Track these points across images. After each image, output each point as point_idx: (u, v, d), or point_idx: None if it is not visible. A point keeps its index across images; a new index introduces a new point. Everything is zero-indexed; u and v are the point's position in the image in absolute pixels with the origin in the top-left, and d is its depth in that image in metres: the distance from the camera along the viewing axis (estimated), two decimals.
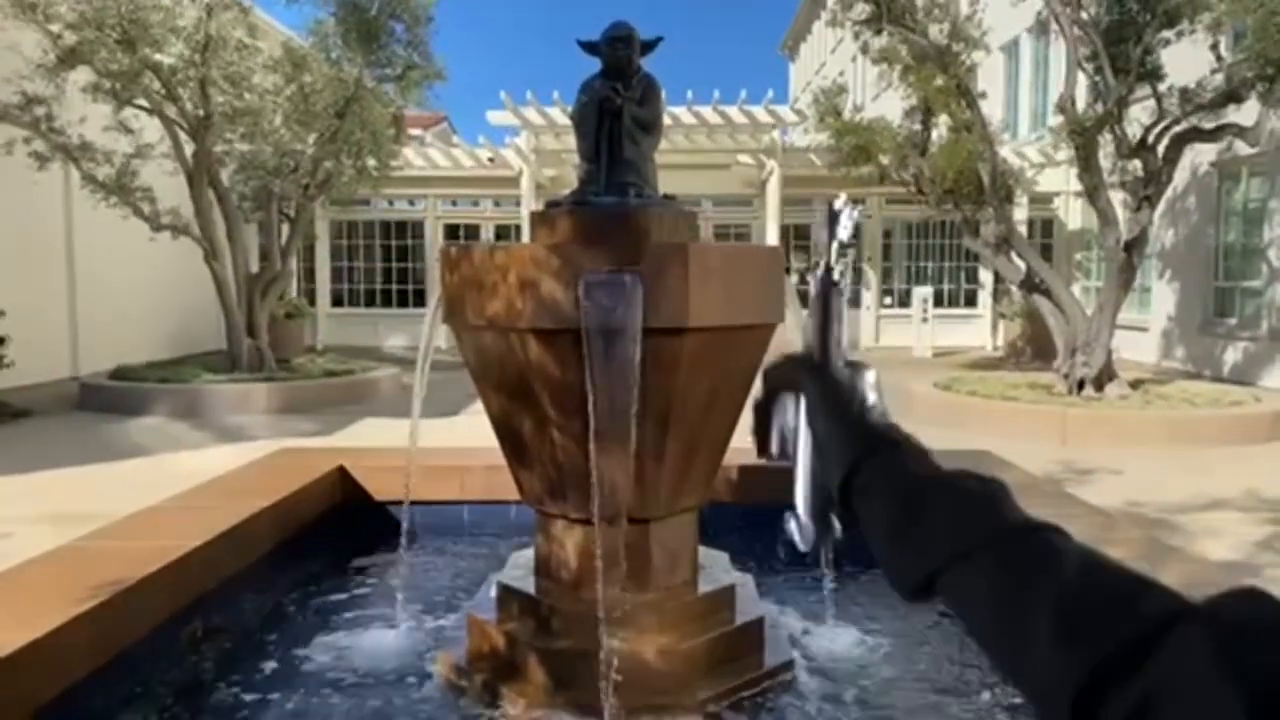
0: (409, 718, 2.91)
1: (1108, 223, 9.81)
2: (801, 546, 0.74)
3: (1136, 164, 9.74)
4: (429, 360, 3.22)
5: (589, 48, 3.00)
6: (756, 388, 0.80)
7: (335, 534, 4.41)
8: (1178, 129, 9.54)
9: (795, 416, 0.75)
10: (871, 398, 0.73)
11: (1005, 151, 13.43)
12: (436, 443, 4.81)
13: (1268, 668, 0.43)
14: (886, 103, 16.86)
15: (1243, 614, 0.47)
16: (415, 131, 20.44)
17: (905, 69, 10.95)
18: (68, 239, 12.49)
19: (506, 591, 3.14)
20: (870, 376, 0.74)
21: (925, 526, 0.62)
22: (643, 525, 2.91)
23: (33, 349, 11.11)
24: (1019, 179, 13.64)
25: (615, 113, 2.88)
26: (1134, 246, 9.71)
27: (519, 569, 3.28)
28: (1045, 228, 17.46)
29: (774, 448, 0.77)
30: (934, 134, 11.61)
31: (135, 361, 11.99)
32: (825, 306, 0.79)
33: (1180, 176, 11.30)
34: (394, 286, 18.40)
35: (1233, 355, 12.88)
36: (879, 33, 10.76)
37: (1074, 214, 17.26)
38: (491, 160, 17.39)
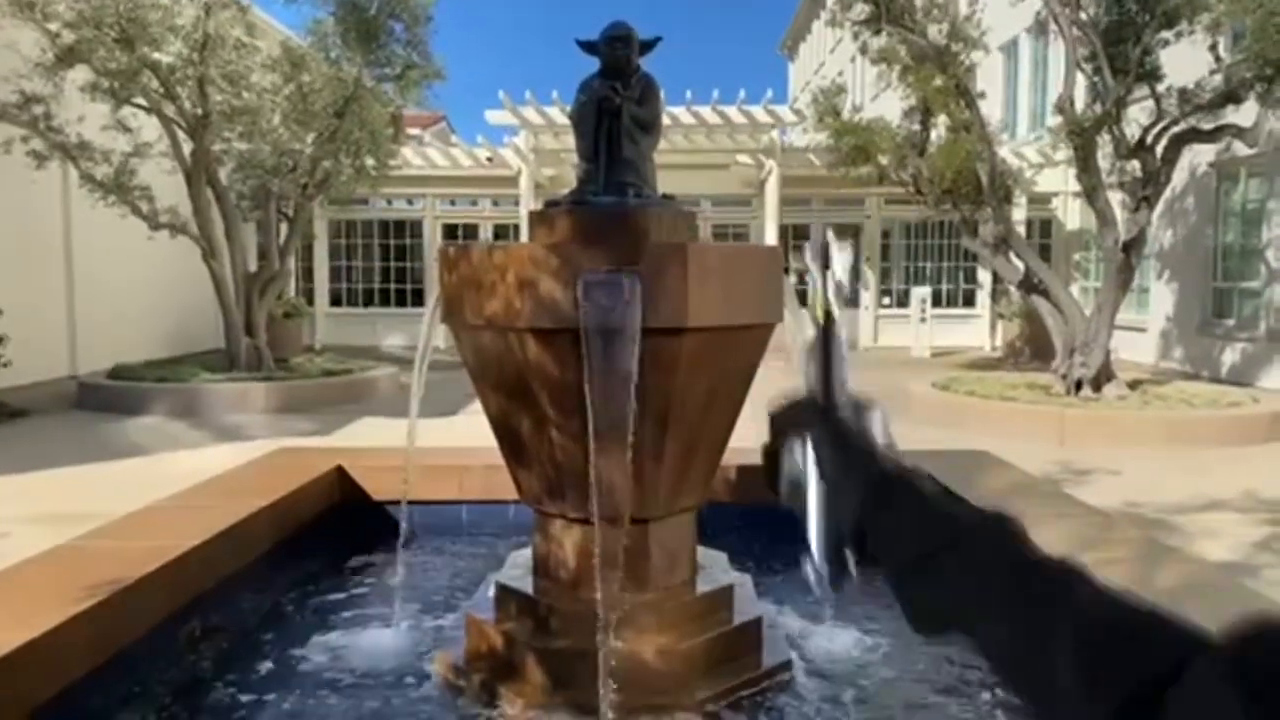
0: (407, 718, 2.91)
1: (1106, 223, 9.82)
2: (817, 590, 0.74)
3: (1135, 164, 9.74)
4: (427, 360, 3.22)
5: (588, 47, 3.00)
6: (765, 433, 0.79)
7: (333, 534, 4.41)
8: (1176, 129, 9.55)
9: (804, 460, 0.75)
10: (879, 437, 0.73)
11: (1004, 152, 13.44)
12: (435, 442, 4.81)
13: None
14: (885, 103, 16.86)
15: (1259, 647, 0.47)
16: (414, 131, 20.44)
17: (904, 69, 10.96)
18: (66, 238, 12.48)
19: (505, 591, 3.13)
20: (876, 415, 0.74)
21: (941, 566, 0.61)
22: (641, 525, 2.91)
23: (31, 348, 11.10)
24: (1018, 179, 13.66)
25: (614, 112, 2.88)
26: (1132, 247, 9.71)
27: (517, 569, 3.28)
28: (1044, 228, 17.47)
29: (784, 492, 0.77)
30: (933, 134, 11.62)
31: (133, 360, 11.98)
32: (827, 348, 0.79)
33: (1179, 177, 11.30)
34: (392, 286, 18.39)
35: (1231, 356, 12.89)
36: (878, 33, 10.76)
37: (1072, 214, 17.27)
38: (490, 160, 17.38)
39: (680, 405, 2.78)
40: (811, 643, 3.35)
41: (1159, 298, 14.73)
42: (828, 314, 0.80)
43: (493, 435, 3.08)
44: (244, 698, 2.99)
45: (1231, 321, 13.14)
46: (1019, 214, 15.43)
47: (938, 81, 10.50)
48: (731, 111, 15.49)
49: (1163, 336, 14.53)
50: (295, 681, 3.11)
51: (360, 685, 3.07)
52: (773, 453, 0.78)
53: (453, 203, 18.27)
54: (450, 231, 18.14)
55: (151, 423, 9.61)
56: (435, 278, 3.15)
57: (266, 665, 3.23)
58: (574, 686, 2.79)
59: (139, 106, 10.37)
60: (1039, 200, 17.08)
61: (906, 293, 17.48)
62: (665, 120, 3.87)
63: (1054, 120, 10.85)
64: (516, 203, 16.70)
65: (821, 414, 0.76)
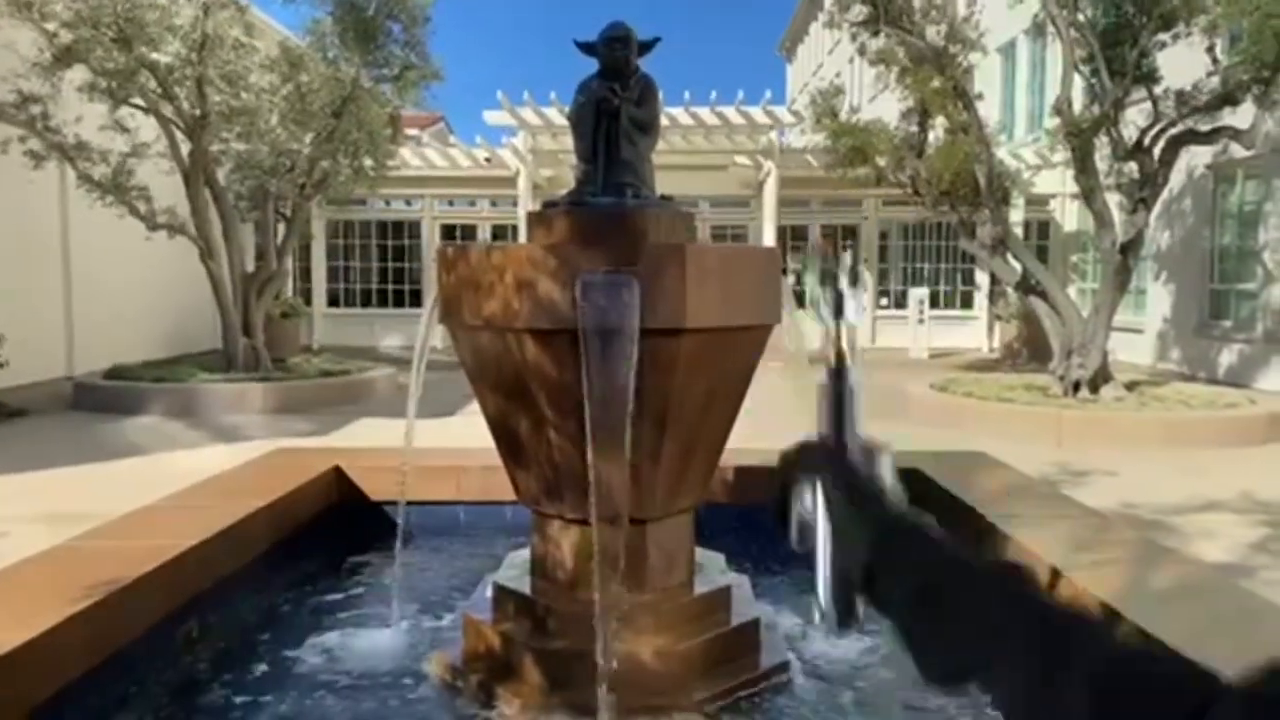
0: (404, 718, 2.91)
1: (1104, 225, 9.83)
2: (824, 631, 0.75)
3: (1132, 166, 9.76)
4: (425, 360, 3.22)
5: (586, 48, 3.00)
6: (776, 479, 0.80)
7: (331, 534, 4.41)
8: (1173, 131, 9.56)
9: (814, 504, 0.75)
10: (889, 482, 0.73)
11: (1002, 153, 13.45)
12: (432, 443, 4.81)
13: None
14: (883, 104, 16.87)
15: (1274, 692, 0.46)
16: (412, 131, 20.43)
17: (902, 70, 10.97)
18: (63, 238, 12.46)
19: (502, 592, 3.14)
20: (886, 460, 0.75)
21: (950, 614, 0.61)
22: (639, 526, 2.91)
23: (28, 348, 11.08)
24: (1015, 181, 13.66)
25: (613, 113, 2.88)
26: (1130, 249, 9.73)
27: (515, 569, 3.28)
28: (1041, 229, 17.48)
29: (794, 536, 0.78)
30: (931, 135, 11.63)
31: (130, 361, 11.97)
32: (839, 393, 0.80)
33: (1176, 179, 11.32)
34: (390, 286, 18.38)
35: (1228, 357, 12.91)
36: (876, 34, 10.77)
37: (1070, 216, 17.29)
38: (488, 160, 17.38)
39: (678, 406, 2.79)
40: (810, 644, 3.35)
41: (1156, 299, 14.76)
42: (840, 357, 0.81)
43: (490, 436, 3.08)
44: (240, 699, 2.99)
45: (1228, 323, 13.16)
46: (1016, 215, 15.44)
47: (936, 83, 10.51)
48: (730, 112, 15.49)
49: (1160, 338, 14.55)
50: (292, 682, 3.11)
51: (357, 686, 3.07)
52: (783, 495, 0.78)
53: (451, 203, 18.27)
54: (448, 232, 18.14)
55: (149, 423, 9.60)
56: (433, 278, 3.15)
57: (263, 666, 3.23)
58: (571, 687, 2.79)
59: (137, 107, 10.36)
60: (1037, 202, 17.09)
61: (904, 294, 17.49)
62: (663, 121, 3.87)
63: (1052, 122, 10.87)
64: (514, 203, 16.70)
65: (832, 458, 0.76)
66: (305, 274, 17.96)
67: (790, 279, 3.03)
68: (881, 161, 11.80)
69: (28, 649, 2.40)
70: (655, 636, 2.92)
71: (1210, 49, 9.39)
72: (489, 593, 3.20)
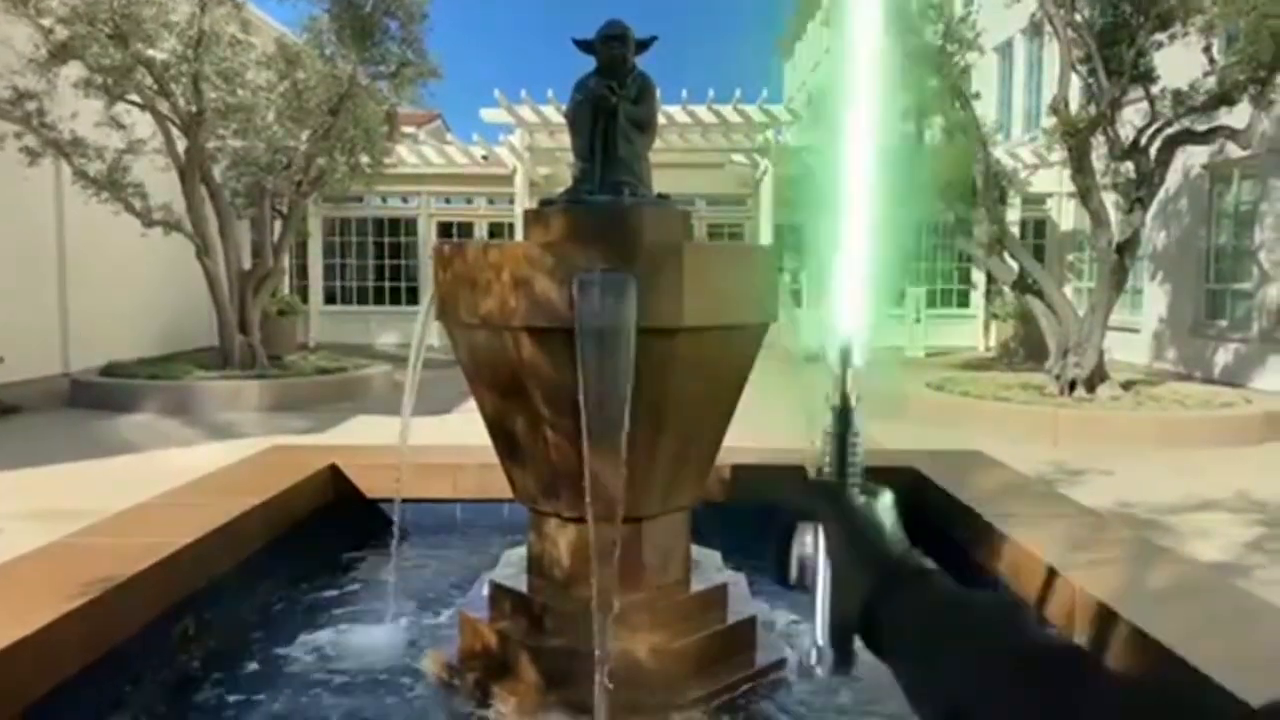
0: (400, 716, 2.90)
1: (1100, 224, 9.84)
2: (820, 673, 0.75)
3: (1129, 166, 9.77)
4: (422, 358, 3.22)
5: (584, 46, 2.99)
6: (776, 518, 0.80)
7: (327, 532, 4.40)
8: (1170, 131, 9.58)
9: (814, 545, 0.75)
10: (889, 524, 0.73)
11: (999, 153, 13.46)
12: (429, 441, 4.81)
13: None
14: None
15: None
16: (409, 129, 20.40)
17: (900, 70, 10.96)
18: (59, 235, 12.43)
19: (499, 590, 3.13)
20: (887, 501, 0.75)
21: (948, 657, 0.61)
22: (635, 524, 2.91)
23: (23, 345, 11.06)
24: (1012, 180, 13.68)
25: (610, 111, 2.88)
26: (1126, 248, 9.74)
27: (511, 567, 3.28)
28: (1038, 229, 17.51)
29: (793, 576, 0.78)
30: (928, 135, 11.63)
31: (126, 358, 11.95)
32: (842, 435, 0.80)
33: (1172, 179, 11.33)
34: (387, 284, 18.36)
35: (1224, 357, 12.94)
36: None
37: (1066, 215, 17.31)
38: (485, 158, 17.36)
39: (675, 404, 2.79)
40: (807, 642, 3.34)
41: (1152, 299, 14.78)
42: (844, 398, 0.81)
43: (487, 434, 3.08)
44: (234, 697, 2.99)
45: (1224, 323, 13.18)
46: (1013, 215, 15.45)
47: (933, 83, 10.51)
48: (727, 111, 15.48)
49: (1156, 337, 14.58)
50: (286, 680, 3.10)
51: (353, 684, 3.07)
52: (783, 535, 0.78)
53: (448, 201, 18.25)
54: (445, 230, 18.12)
55: (144, 420, 9.59)
56: (430, 276, 3.15)
57: (258, 664, 3.22)
58: (568, 685, 2.79)
59: (133, 103, 10.33)
60: (1033, 201, 17.11)
61: (901, 293, 17.50)
62: (661, 119, 3.87)
63: (1048, 121, 10.87)
64: (511, 201, 16.68)
65: (832, 498, 0.76)
66: (301, 271, 17.94)
67: (786, 277, 3.03)
68: None
69: (23, 646, 2.40)
70: (651, 634, 2.92)
71: (1207, 49, 9.40)
72: (485, 591, 3.20)
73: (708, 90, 15.45)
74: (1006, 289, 12.39)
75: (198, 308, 13.43)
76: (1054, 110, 9.95)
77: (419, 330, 3.17)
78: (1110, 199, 10.12)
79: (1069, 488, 5.99)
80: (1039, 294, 10.54)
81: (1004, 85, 19.53)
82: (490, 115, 15.74)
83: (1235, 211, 13.11)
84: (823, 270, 0.83)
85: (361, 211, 17.94)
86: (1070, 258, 17.29)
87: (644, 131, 2.97)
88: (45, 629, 2.48)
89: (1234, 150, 10.55)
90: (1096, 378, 9.82)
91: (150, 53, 9.96)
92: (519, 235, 3.71)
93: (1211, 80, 9.30)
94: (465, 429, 4.36)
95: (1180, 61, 9.56)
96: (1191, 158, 12.32)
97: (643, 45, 3.02)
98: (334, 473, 4.66)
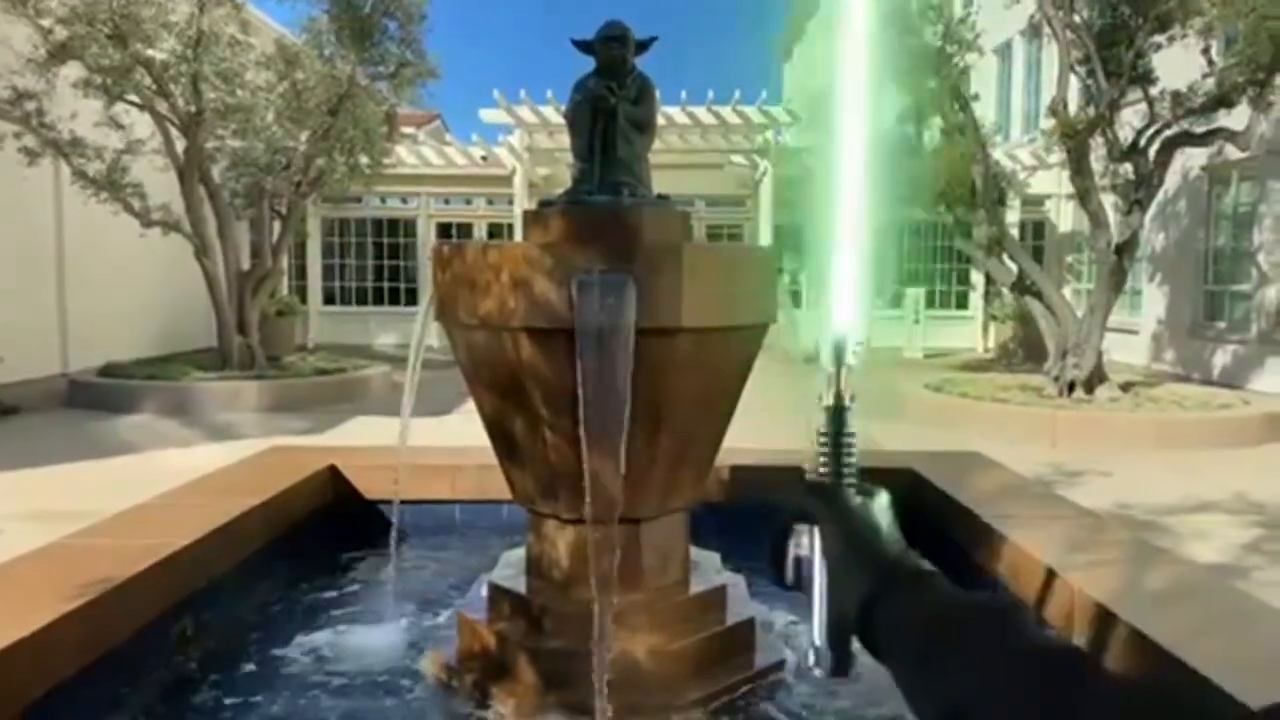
0: (399, 718, 2.90)
1: (1099, 226, 9.85)
2: (818, 673, 0.75)
3: (1128, 167, 9.78)
4: (421, 359, 3.22)
5: (583, 47, 2.99)
6: (775, 519, 0.80)
7: (326, 532, 4.40)
8: (1169, 133, 9.58)
9: (811, 546, 0.75)
10: (885, 524, 0.73)
11: (998, 154, 13.47)
12: (428, 441, 4.80)
13: None
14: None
15: None
16: (408, 129, 20.40)
17: (899, 71, 10.97)
18: (58, 235, 12.41)
19: (497, 591, 3.13)
20: (884, 501, 0.75)
21: (946, 658, 0.61)
22: (634, 525, 2.91)
23: (21, 345, 11.04)
24: (1011, 181, 13.69)
25: (609, 112, 2.88)
26: (1125, 249, 9.75)
27: (510, 568, 3.28)
28: (1037, 230, 17.52)
29: (790, 577, 0.78)
30: (927, 136, 11.64)
31: (125, 358, 11.94)
32: (837, 434, 0.80)
33: (1171, 180, 11.34)
34: (386, 284, 18.36)
35: (1222, 358, 12.95)
36: None
37: (1065, 217, 17.32)
38: (484, 159, 17.36)
39: (674, 406, 2.79)
40: (804, 643, 3.34)
41: (1151, 300, 14.79)
42: (839, 397, 0.81)
43: (486, 435, 3.08)
44: (232, 699, 2.98)
45: (1223, 324, 13.19)
46: (1012, 216, 15.46)
47: (932, 84, 10.52)
48: (726, 112, 15.48)
49: (1154, 339, 14.58)
50: (284, 681, 3.10)
51: (351, 685, 3.07)
52: (779, 535, 0.78)
53: (447, 201, 18.25)
54: (444, 230, 18.12)
55: (143, 421, 9.58)
56: (429, 276, 3.15)
57: (258, 664, 3.22)
58: (567, 687, 2.79)
59: (132, 103, 10.33)
60: (1032, 202, 17.12)
61: (900, 294, 17.52)
62: (660, 120, 3.87)
63: (1047, 123, 10.88)
64: (511, 202, 16.69)
65: (829, 498, 0.76)
66: (300, 272, 17.93)
67: (786, 278, 3.03)
68: None
69: (22, 646, 2.40)
70: (650, 636, 2.92)
71: (1206, 51, 9.41)
72: (484, 592, 3.20)
73: (707, 91, 15.47)
74: (1005, 290, 12.40)
75: (196, 308, 13.41)
76: (1053, 112, 9.96)
77: (418, 331, 3.16)
78: (1109, 200, 10.13)
79: (1067, 489, 5.99)
80: (1038, 295, 10.55)
81: (1003, 87, 19.54)
82: (489, 116, 15.74)
83: (1234, 213, 13.12)
84: (822, 271, 0.83)
85: (360, 212, 17.94)
86: (1069, 259, 17.30)
87: (643, 132, 2.97)
88: (44, 630, 2.48)
89: (1233, 152, 10.56)
90: (1095, 379, 9.82)
91: (149, 53, 9.95)
92: (518, 236, 3.71)
93: (1210, 82, 9.31)
94: (464, 430, 4.36)
95: (1179, 63, 9.57)
96: (1190, 159, 12.33)
97: (642, 46, 3.02)
98: (333, 474, 4.66)
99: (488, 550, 3.87)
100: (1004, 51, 19.03)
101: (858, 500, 0.75)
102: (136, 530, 3.48)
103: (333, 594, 3.91)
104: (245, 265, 12.21)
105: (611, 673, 2.59)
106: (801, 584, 0.76)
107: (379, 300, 18.27)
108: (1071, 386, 9.79)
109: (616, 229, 2.81)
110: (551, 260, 2.62)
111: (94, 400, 10.31)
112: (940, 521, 3.98)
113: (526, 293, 2.63)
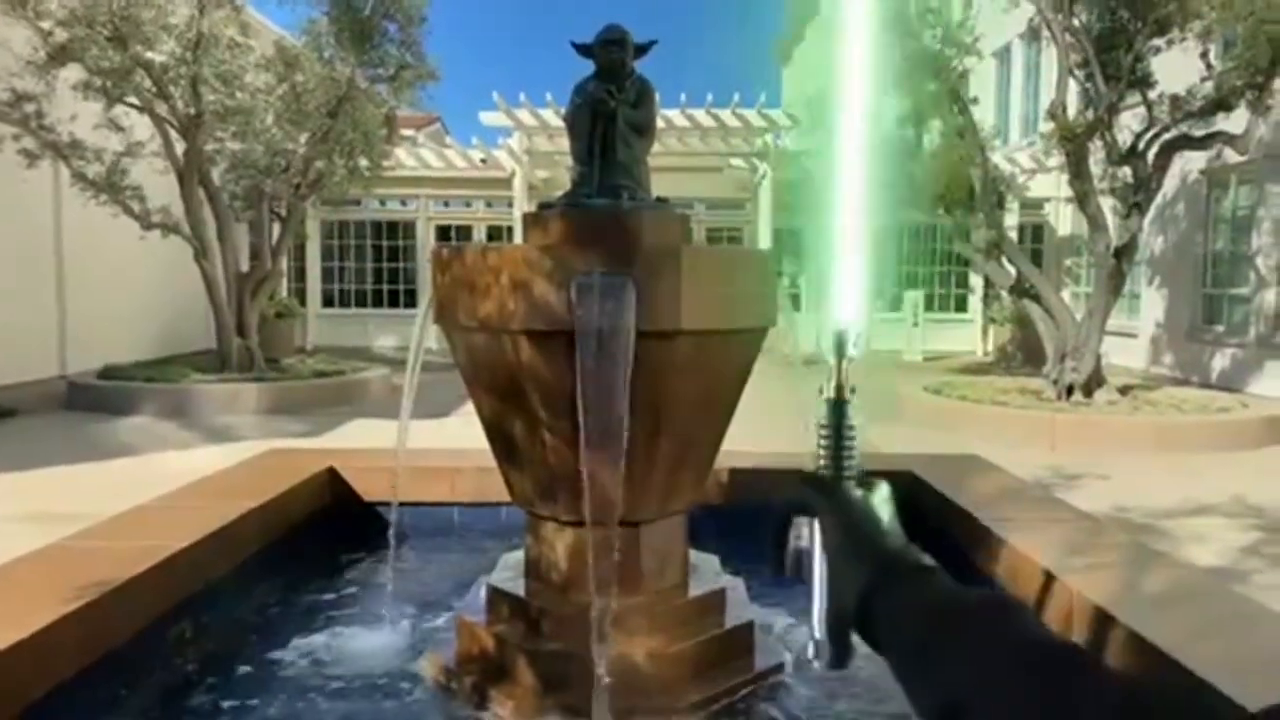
0: None
1: (1098, 229, 9.86)
2: (818, 666, 0.75)
3: (1127, 171, 9.79)
4: (420, 361, 3.22)
5: (583, 50, 3.00)
6: (773, 513, 0.80)
7: (325, 535, 4.40)
8: (1168, 136, 9.60)
9: (810, 539, 0.75)
10: (886, 517, 0.73)
11: (996, 157, 13.48)
12: (427, 444, 4.80)
13: None
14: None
15: None
16: (408, 132, 20.42)
17: (898, 75, 10.99)
18: (57, 237, 12.42)
19: (496, 593, 3.13)
20: (884, 493, 0.75)
21: (946, 651, 0.60)
22: (633, 528, 2.91)
23: (20, 347, 11.05)
24: (1010, 185, 13.70)
25: (609, 115, 2.88)
26: (1123, 253, 9.76)
27: (508, 571, 3.27)
28: (1036, 233, 17.54)
29: (790, 570, 0.78)
30: (926, 139, 11.65)
31: (124, 361, 11.93)
32: (839, 426, 0.80)
33: (1170, 184, 11.36)
34: (385, 287, 18.36)
35: (1220, 362, 12.96)
36: None
37: (1064, 220, 17.33)
38: (484, 161, 17.37)
39: (673, 408, 2.79)
40: (803, 637, 3.34)
41: (1150, 303, 14.80)
42: (839, 390, 0.81)
43: (485, 437, 3.08)
44: (230, 701, 2.98)
45: (1221, 327, 13.20)
46: (1011, 219, 15.47)
47: (931, 87, 10.53)
48: (726, 115, 15.50)
49: (1153, 342, 14.60)
50: (282, 684, 3.10)
51: (350, 688, 3.06)
52: (779, 528, 0.78)
53: (446, 204, 18.25)
54: (444, 233, 18.13)
55: (141, 423, 9.58)
56: (428, 279, 3.15)
57: (254, 667, 3.22)
58: (566, 689, 2.78)
59: (131, 105, 10.33)
60: (1031, 206, 17.14)
61: (899, 297, 17.53)
62: (660, 123, 3.88)
63: (1046, 126, 10.90)
64: (510, 204, 16.70)
65: (829, 493, 0.76)
66: (300, 274, 17.93)
67: (785, 281, 3.04)
68: None
69: (21, 648, 2.39)
70: (649, 639, 2.92)
71: (1204, 54, 9.43)
72: (483, 594, 3.19)
73: (706, 94, 15.50)
74: (1004, 293, 12.41)
75: (195, 310, 13.42)
76: (1052, 115, 9.97)
77: (417, 333, 3.17)
78: (1108, 204, 10.14)
79: (1066, 492, 5.99)
80: (1036, 298, 10.55)
81: (1002, 90, 19.57)
82: (489, 118, 15.76)
83: (1232, 217, 13.14)
84: (822, 274, 0.83)
85: (360, 214, 17.94)
86: (1068, 262, 17.31)
87: (643, 135, 2.98)
88: (42, 631, 2.48)
89: (1231, 155, 10.57)
90: (1094, 382, 9.83)
91: (149, 55, 9.96)
92: (518, 238, 3.71)
93: (1209, 85, 9.33)
94: (463, 432, 4.36)
95: (1178, 67, 9.59)
96: (1189, 163, 12.35)
97: (641, 49, 3.02)
98: (331, 476, 4.65)
99: (486, 552, 3.88)
100: (1003, 55, 19.05)
101: (858, 493, 0.75)
102: (135, 532, 3.48)
103: (331, 596, 3.91)
104: (244, 267, 12.21)
105: (610, 675, 2.59)
106: (801, 574, 0.76)
107: (378, 303, 18.27)
108: (1070, 390, 9.79)
109: (616, 232, 2.81)
110: (551, 263, 2.62)
111: (93, 402, 10.31)
112: (939, 524, 3.98)
113: (526, 295, 2.63)
